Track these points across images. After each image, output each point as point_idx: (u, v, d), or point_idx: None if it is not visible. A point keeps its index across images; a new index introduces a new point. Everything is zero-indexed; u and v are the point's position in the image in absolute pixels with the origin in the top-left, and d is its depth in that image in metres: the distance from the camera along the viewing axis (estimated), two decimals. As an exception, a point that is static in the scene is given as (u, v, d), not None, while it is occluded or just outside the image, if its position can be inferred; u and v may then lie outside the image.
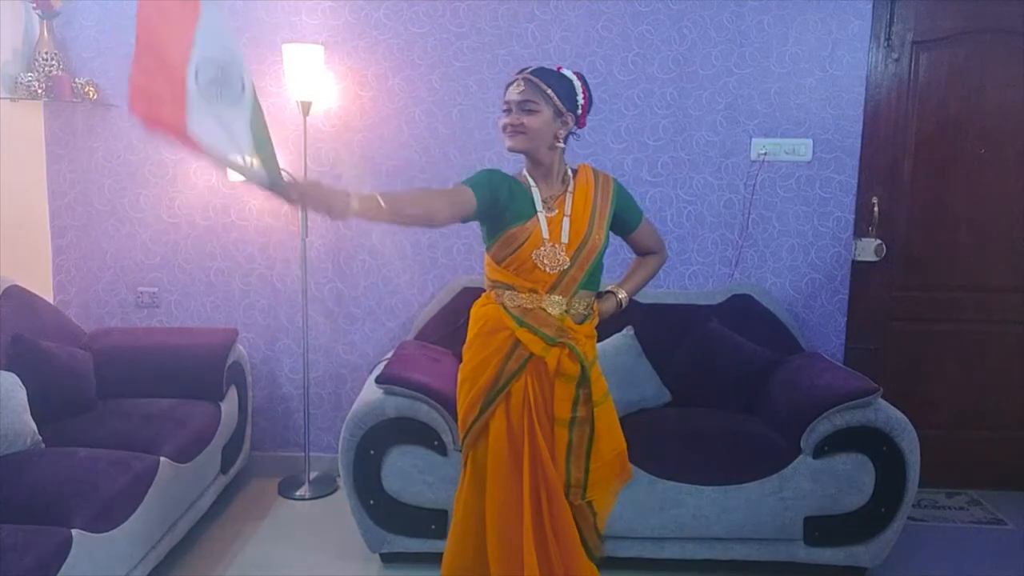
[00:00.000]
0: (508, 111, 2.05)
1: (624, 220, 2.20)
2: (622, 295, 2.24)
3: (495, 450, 2.04)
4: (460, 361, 2.17)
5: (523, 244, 2.02)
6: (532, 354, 2.02)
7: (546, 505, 2.02)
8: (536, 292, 2.04)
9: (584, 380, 2.05)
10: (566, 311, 2.06)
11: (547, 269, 2.03)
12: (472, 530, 2.09)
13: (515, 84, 2.04)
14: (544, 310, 2.04)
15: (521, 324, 2.02)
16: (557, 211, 2.07)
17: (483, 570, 2.08)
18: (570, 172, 2.15)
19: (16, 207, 3.28)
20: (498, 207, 2.01)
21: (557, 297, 2.05)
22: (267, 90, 3.40)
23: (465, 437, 2.11)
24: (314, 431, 3.57)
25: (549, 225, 2.04)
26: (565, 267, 2.04)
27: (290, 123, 3.40)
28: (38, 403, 2.66)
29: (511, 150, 2.06)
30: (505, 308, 2.05)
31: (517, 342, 2.03)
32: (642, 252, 2.33)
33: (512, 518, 2.01)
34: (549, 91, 2.03)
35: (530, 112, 2.02)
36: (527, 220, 2.03)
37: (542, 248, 2.02)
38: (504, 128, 2.05)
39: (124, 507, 2.39)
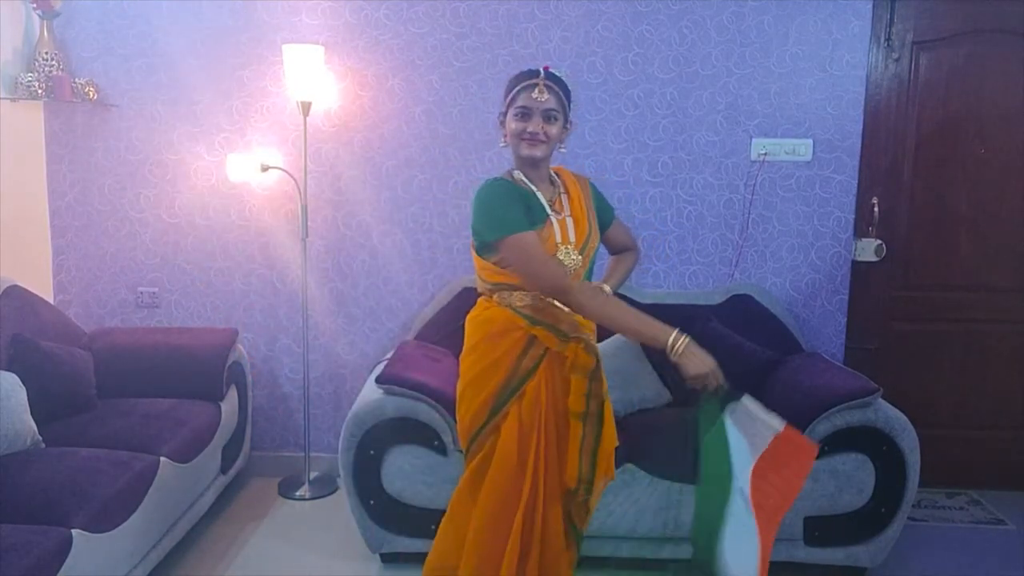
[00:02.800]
0: (525, 116, 2.01)
1: (600, 219, 2.21)
2: (607, 289, 2.25)
3: (504, 452, 2.01)
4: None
5: None
6: (546, 351, 2.01)
7: (541, 507, 2.01)
8: None
9: (598, 373, 2.05)
10: None
11: (569, 270, 2.03)
12: (463, 532, 2.07)
13: (536, 90, 1.99)
14: (556, 306, 2.04)
15: (535, 322, 2.01)
16: (562, 213, 2.08)
17: None
18: (553, 173, 2.15)
19: (16, 207, 3.28)
20: None
21: None
22: (267, 90, 3.40)
23: (472, 443, 2.07)
24: (314, 431, 3.57)
25: (559, 227, 2.05)
26: (579, 265, 2.05)
27: (290, 123, 3.40)
28: (38, 403, 2.66)
29: (529, 157, 2.03)
30: (514, 309, 2.03)
31: (530, 341, 2.01)
32: (617, 249, 2.33)
33: (507, 520, 2.00)
34: (565, 101, 2.04)
35: (552, 120, 2.02)
36: (541, 226, 2.02)
37: (559, 253, 2.03)
38: (521, 133, 2.01)
39: (124, 507, 2.39)
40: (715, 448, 1.92)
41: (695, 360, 1.91)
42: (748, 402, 1.92)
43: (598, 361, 2.04)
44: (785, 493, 1.82)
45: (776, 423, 1.84)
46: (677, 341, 1.91)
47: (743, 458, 1.86)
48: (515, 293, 2.04)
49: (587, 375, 2.02)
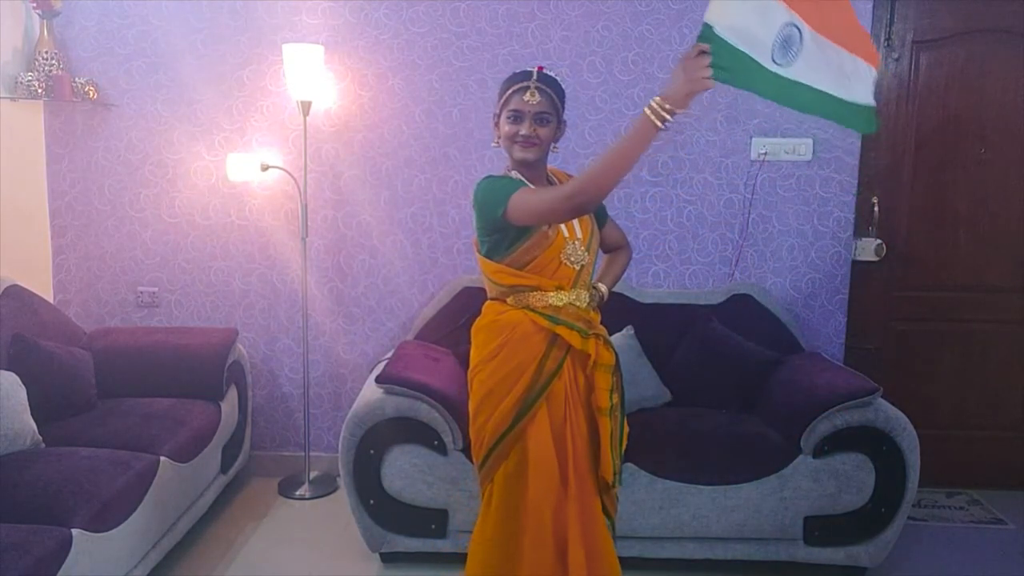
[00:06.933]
0: (517, 119, 2.01)
1: (596, 217, 2.20)
2: (603, 288, 2.24)
3: (541, 455, 1.99)
4: (460, 361, 2.15)
5: (551, 244, 2.01)
6: (568, 351, 2.01)
7: (587, 501, 2.02)
8: (563, 288, 2.04)
9: (618, 368, 2.06)
10: (587, 303, 2.08)
11: (575, 265, 2.04)
12: (510, 542, 2.02)
13: (528, 92, 1.99)
14: (574, 305, 2.04)
15: (557, 322, 2.00)
16: None
17: None
18: (549, 174, 2.15)
19: (16, 207, 3.28)
20: None
21: (581, 291, 2.07)
22: (267, 90, 3.40)
23: (491, 452, 2.03)
24: (314, 431, 3.57)
25: (566, 223, 2.05)
26: (585, 261, 2.06)
27: (290, 123, 3.40)
28: (38, 403, 2.66)
29: (522, 161, 2.04)
30: (533, 310, 2.02)
31: (552, 343, 2.00)
32: (610, 247, 2.33)
33: (562, 520, 1.99)
34: (558, 102, 2.03)
35: (544, 123, 2.01)
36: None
37: (567, 247, 2.03)
38: (513, 136, 2.01)
39: (124, 507, 2.39)
40: (736, 60, 1.67)
41: (682, 89, 1.65)
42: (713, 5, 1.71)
43: (617, 355, 2.06)
44: None
45: None
46: (659, 110, 1.67)
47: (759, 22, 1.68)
48: (533, 294, 2.03)
49: (610, 371, 2.03)
